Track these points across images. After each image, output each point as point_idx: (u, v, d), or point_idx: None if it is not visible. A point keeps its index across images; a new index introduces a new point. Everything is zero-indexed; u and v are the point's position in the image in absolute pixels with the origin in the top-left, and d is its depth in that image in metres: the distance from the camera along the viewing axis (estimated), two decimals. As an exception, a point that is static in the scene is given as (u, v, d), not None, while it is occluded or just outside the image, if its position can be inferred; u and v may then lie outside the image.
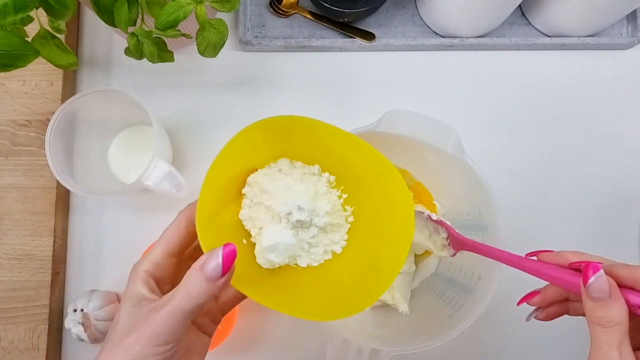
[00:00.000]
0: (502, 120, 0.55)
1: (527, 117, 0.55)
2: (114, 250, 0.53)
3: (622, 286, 0.29)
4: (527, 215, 0.54)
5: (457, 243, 0.39)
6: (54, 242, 0.51)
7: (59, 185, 0.51)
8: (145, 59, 0.43)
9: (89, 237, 0.53)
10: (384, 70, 0.56)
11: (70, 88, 0.55)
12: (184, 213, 0.32)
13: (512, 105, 0.55)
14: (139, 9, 0.39)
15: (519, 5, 0.56)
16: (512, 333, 0.52)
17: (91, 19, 0.56)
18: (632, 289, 0.29)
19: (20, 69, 0.37)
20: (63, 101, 0.52)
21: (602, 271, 0.29)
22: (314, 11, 0.55)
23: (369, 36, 0.54)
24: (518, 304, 0.36)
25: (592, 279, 0.29)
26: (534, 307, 0.36)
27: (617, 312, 0.28)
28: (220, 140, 0.54)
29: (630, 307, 0.29)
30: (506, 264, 0.35)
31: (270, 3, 0.55)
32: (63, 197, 0.53)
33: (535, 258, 0.34)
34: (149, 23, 0.41)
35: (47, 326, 0.49)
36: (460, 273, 0.45)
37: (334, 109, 0.55)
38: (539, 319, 0.35)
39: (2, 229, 0.51)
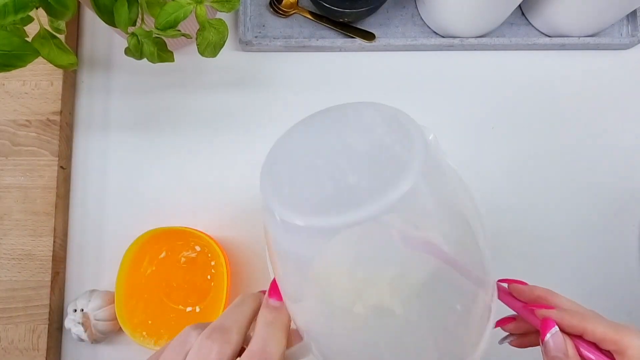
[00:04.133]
0: (502, 120, 0.55)
1: (527, 117, 0.55)
2: (114, 251, 0.53)
3: (572, 336, 0.29)
4: (528, 214, 0.54)
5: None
6: (54, 242, 0.51)
7: (59, 185, 0.51)
8: (145, 59, 0.43)
9: (89, 237, 0.53)
10: (384, 70, 0.56)
11: (70, 88, 0.54)
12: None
13: (512, 105, 0.55)
14: (139, 9, 0.39)
15: (519, 5, 0.56)
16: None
17: (91, 19, 0.56)
18: (581, 337, 0.28)
19: (20, 69, 0.37)
20: (63, 101, 0.52)
21: (556, 328, 0.28)
22: (314, 11, 0.55)
23: (369, 36, 0.54)
24: (495, 326, 0.34)
25: (547, 337, 0.28)
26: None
27: None
28: (220, 140, 0.54)
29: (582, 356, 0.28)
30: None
31: (270, 3, 0.55)
32: (63, 197, 0.53)
33: (505, 285, 0.33)
34: (149, 23, 0.41)
35: (47, 326, 0.49)
36: None
37: (334, 109, 0.55)
38: (512, 345, 0.34)
39: (2, 229, 0.51)
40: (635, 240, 0.53)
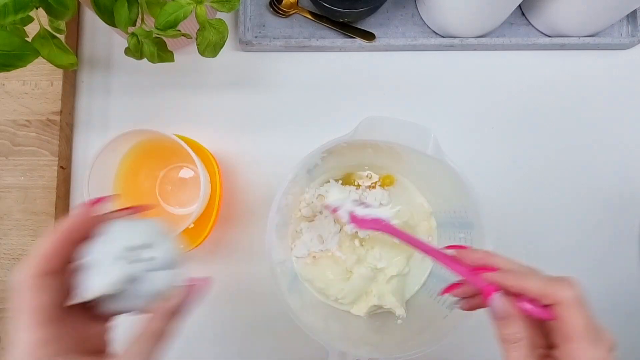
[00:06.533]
0: (502, 120, 0.55)
1: (526, 117, 0.55)
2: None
3: (513, 295, 0.31)
4: (527, 214, 0.54)
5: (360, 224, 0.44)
6: (54, 242, 0.50)
7: (59, 185, 0.51)
8: (145, 59, 0.43)
9: (89, 237, 0.53)
10: (384, 70, 0.56)
11: (70, 88, 0.54)
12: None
13: (511, 105, 0.55)
14: (139, 9, 0.39)
15: (519, 5, 0.56)
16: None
17: (91, 19, 0.56)
18: (520, 295, 0.31)
19: (20, 69, 0.37)
20: (63, 101, 0.52)
21: (499, 293, 0.31)
22: (314, 11, 0.55)
23: (369, 36, 0.54)
24: (440, 294, 0.37)
25: (491, 300, 0.31)
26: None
27: (519, 328, 0.30)
28: (220, 141, 0.54)
29: (525, 313, 0.30)
30: (422, 251, 0.38)
31: (270, 3, 0.55)
32: (63, 197, 0.53)
33: (453, 252, 0.36)
34: (149, 23, 0.41)
35: (47, 326, 0.49)
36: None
37: (334, 108, 0.55)
38: (462, 309, 0.36)
39: (2, 229, 0.51)
40: (635, 240, 0.53)
